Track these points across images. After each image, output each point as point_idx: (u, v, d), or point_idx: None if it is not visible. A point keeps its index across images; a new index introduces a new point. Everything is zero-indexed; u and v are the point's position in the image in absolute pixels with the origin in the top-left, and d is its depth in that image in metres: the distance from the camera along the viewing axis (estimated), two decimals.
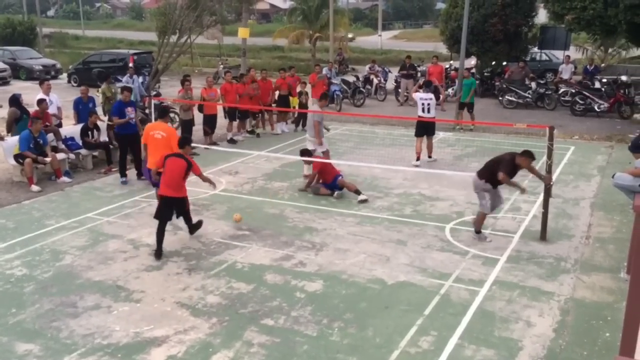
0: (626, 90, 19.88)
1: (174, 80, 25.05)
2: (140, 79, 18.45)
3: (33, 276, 7.89)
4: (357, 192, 10.98)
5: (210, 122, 15.48)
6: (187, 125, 14.64)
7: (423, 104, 13.30)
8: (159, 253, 8.48)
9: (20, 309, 7.02)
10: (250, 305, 7.10)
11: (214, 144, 15.34)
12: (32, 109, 12.86)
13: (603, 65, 27.80)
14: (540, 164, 11.95)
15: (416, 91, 14.41)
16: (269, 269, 8.12)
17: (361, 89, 22.53)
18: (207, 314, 6.91)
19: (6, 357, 6.07)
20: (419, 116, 13.32)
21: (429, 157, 13.73)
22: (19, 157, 11.78)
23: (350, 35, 37.45)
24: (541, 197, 9.49)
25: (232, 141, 15.92)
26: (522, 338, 6.39)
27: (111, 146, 13.32)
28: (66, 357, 6.04)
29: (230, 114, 16.12)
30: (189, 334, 6.47)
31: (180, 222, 9.57)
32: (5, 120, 13.39)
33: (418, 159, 13.38)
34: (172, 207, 8.76)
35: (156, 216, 8.69)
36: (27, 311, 6.98)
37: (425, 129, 13.41)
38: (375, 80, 24.09)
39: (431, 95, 13.44)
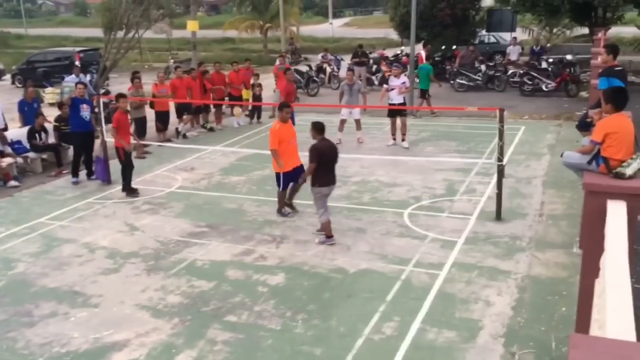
0: (572, 69, 20.47)
1: (124, 77, 24.46)
2: (88, 77, 18.00)
3: None
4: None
5: (162, 119, 15.21)
6: (139, 123, 14.32)
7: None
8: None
9: None
10: (213, 303, 7.03)
11: (168, 140, 15.10)
12: None
13: (549, 45, 28.49)
14: (492, 146, 12.19)
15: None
16: (230, 264, 8.05)
17: (315, 78, 22.53)
18: (169, 314, 6.81)
19: None
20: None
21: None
22: None
23: (293, 28, 36.97)
24: (495, 178, 9.68)
25: (184, 137, 15.68)
26: (482, 318, 6.52)
27: (60, 147, 12.95)
28: None
29: (180, 109, 15.80)
30: (150, 336, 6.36)
31: (137, 221, 9.47)
32: None
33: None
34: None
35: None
36: None
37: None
38: (329, 69, 24.12)
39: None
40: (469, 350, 5.94)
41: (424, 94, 17.45)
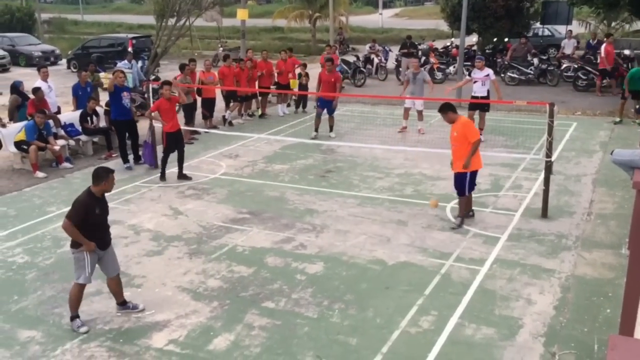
0: (629, 65, 19.69)
1: (174, 64, 24.91)
2: (140, 64, 18.36)
3: (35, 263, 7.93)
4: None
5: (209, 106, 15.38)
6: (188, 109, 14.54)
7: None
8: None
9: (22, 296, 7.05)
10: (251, 289, 7.12)
11: (214, 127, 15.29)
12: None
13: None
14: (541, 141, 11.88)
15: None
16: (270, 251, 8.12)
17: (362, 68, 22.40)
18: (208, 297, 6.93)
19: (9, 343, 6.11)
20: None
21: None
22: (20, 144, 11.76)
23: (342, 18, 36.47)
24: (542, 174, 9.44)
25: (230, 124, 15.85)
26: (522, 316, 6.39)
27: (111, 131, 13.30)
28: (68, 343, 6.08)
29: (227, 97, 15.97)
30: (190, 318, 6.49)
31: (181, 206, 9.63)
32: (7, 108, 13.39)
33: None
34: None
35: None
36: (29, 298, 7.02)
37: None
38: (376, 60, 23.93)
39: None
40: (507, 348, 5.84)
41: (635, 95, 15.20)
